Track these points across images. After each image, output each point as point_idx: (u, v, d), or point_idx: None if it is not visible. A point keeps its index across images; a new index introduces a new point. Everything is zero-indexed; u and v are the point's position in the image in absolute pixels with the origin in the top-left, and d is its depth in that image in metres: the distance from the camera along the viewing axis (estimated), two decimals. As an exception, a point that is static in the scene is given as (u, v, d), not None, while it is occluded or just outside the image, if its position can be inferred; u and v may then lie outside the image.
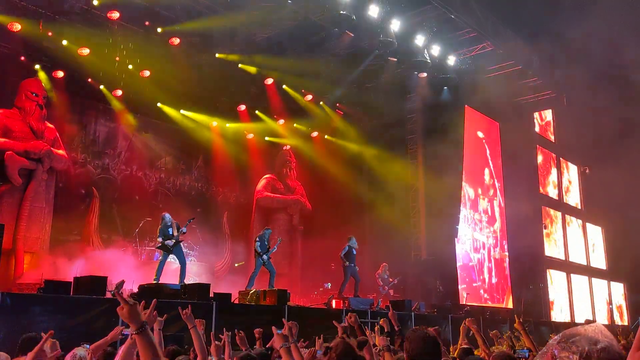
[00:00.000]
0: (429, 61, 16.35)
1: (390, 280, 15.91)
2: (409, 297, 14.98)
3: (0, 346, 6.45)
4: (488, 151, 19.91)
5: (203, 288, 10.06)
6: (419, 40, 15.90)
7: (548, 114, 23.53)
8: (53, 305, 7.98)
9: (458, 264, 17.38)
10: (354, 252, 14.15)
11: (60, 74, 13.99)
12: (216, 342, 4.29)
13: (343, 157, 19.30)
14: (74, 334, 7.07)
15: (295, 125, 18.86)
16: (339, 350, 3.27)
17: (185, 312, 4.25)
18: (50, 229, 13.59)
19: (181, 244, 12.16)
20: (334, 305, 12.83)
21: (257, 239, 13.20)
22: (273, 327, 3.83)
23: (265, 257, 12.79)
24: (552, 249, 21.89)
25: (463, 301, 16.84)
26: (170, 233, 11.71)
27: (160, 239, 11.69)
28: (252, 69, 16.46)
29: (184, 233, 12.19)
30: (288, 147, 19.29)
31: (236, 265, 16.13)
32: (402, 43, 15.85)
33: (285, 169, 19.11)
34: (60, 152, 13.79)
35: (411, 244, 18.57)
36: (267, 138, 18.71)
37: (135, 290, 10.03)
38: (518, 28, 17.49)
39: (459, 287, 17.19)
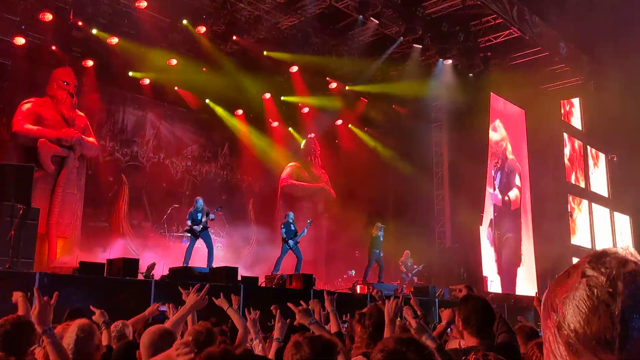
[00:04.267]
0: (455, 48, 16.28)
1: (415, 267, 15.96)
2: (433, 284, 15.04)
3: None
4: (510, 139, 19.77)
5: (231, 271, 10.26)
6: (444, 27, 15.85)
7: (575, 102, 23.23)
8: (87, 286, 8.25)
9: (483, 252, 17.35)
10: (381, 239, 14.31)
11: (90, 63, 14.27)
12: (250, 316, 4.44)
13: (367, 144, 19.35)
14: (108, 313, 7.29)
15: (320, 113, 18.93)
16: (374, 316, 3.31)
17: (221, 298, 4.44)
18: (81, 215, 13.94)
19: (209, 229, 12.42)
20: (358, 291, 12.96)
21: (282, 226, 13.40)
22: (290, 304, 3.88)
23: (291, 242, 12.96)
24: (578, 237, 21.69)
25: (487, 289, 16.82)
26: (200, 218, 11.97)
27: (189, 222, 11.97)
28: (277, 57, 16.55)
29: (212, 220, 12.49)
30: (313, 135, 19.39)
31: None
32: (427, 30, 15.81)
33: (310, 157, 19.22)
34: (91, 139, 14.10)
35: (436, 231, 18.57)
36: (290, 129, 18.86)
37: (166, 273, 10.26)
38: (545, 14, 17.27)
39: (483, 274, 17.17)
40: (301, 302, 3.98)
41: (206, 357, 2.38)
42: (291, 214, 13.77)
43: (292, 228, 13.29)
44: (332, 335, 3.38)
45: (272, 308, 5.18)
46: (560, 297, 0.99)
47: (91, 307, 4.69)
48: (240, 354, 3.07)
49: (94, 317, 4.34)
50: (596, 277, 0.96)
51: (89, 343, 3.14)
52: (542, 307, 1.05)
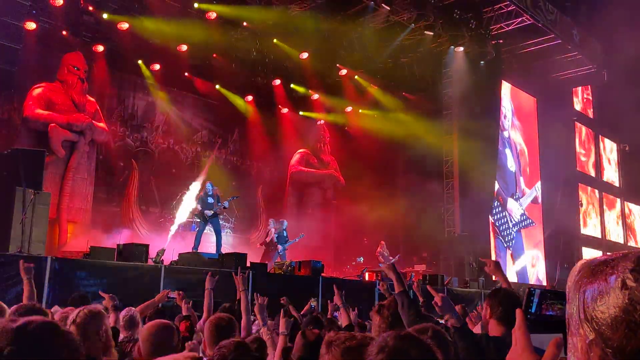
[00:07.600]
0: (466, 35, 16.14)
1: (390, 258, 15.89)
2: (442, 272, 15.04)
3: (49, 306, 6.76)
4: (522, 127, 19.64)
5: (240, 257, 10.30)
6: (456, 13, 15.71)
7: (587, 90, 23.01)
8: (98, 270, 8.30)
9: (492, 240, 17.31)
10: (285, 234, 14.67)
11: (100, 48, 14.28)
12: (259, 301, 4.47)
13: (377, 132, 19.26)
14: (118, 298, 7.35)
15: (329, 99, 18.86)
16: (393, 307, 3.31)
17: (240, 275, 4.48)
18: (92, 199, 14.02)
19: (219, 216, 12.50)
20: (367, 278, 12.99)
21: (276, 232, 13.84)
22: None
23: (280, 247, 13.39)
24: (588, 227, 21.60)
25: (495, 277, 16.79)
26: (210, 202, 12.02)
27: (198, 207, 12.01)
28: (287, 43, 16.47)
29: (225, 208, 12.54)
30: (322, 121, 19.35)
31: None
32: (439, 17, 15.67)
33: (320, 144, 19.21)
34: (101, 124, 14.14)
35: (445, 219, 18.52)
36: (301, 113, 18.82)
37: (176, 258, 10.32)
38: (558, 1, 17.07)
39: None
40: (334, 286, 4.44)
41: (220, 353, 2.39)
42: (285, 222, 14.27)
43: (284, 235, 13.68)
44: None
45: (281, 300, 5.26)
46: (595, 304, 0.91)
47: (100, 293, 4.74)
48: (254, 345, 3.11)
49: (104, 302, 4.39)
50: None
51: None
52: (568, 304, 0.96)
